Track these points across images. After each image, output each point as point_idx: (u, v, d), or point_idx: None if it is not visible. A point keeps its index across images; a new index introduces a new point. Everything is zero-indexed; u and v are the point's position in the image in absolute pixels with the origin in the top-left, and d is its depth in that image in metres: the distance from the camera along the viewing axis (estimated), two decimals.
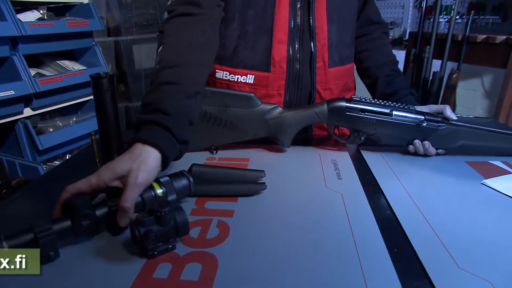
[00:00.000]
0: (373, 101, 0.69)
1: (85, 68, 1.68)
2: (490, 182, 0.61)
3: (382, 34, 0.88)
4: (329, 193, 0.57)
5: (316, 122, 0.71)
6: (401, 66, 2.58)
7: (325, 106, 0.70)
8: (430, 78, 2.13)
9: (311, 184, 0.60)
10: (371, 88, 0.86)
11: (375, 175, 0.64)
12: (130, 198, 0.43)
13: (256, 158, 0.70)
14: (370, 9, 0.86)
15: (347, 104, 0.69)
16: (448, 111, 0.70)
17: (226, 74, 0.77)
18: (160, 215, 0.41)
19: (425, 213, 0.52)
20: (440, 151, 0.71)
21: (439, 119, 0.69)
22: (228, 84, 0.79)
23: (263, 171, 0.60)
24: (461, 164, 0.69)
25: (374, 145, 0.74)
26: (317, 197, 0.56)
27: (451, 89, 2.03)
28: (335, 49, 0.79)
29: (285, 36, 0.73)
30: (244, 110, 0.68)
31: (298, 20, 0.74)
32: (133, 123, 0.53)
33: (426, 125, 0.68)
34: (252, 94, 0.69)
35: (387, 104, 0.69)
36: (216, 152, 0.72)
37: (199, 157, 0.70)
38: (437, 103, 2.08)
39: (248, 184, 0.57)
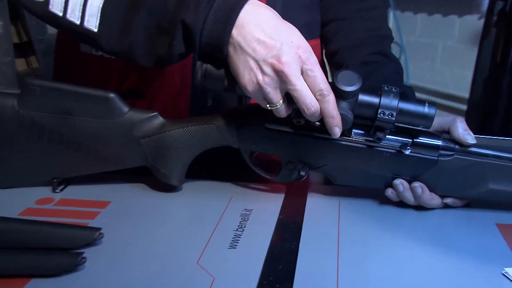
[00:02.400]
0: None
1: None
2: None
3: None
4: (194, 275, 0.48)
5: (220, 143, 0.62)
6: (477, 35, 2.37)
7: (232, 116, 0.61)
8: None
9: (176, 257, 0.51)
10: None
11: (300, 246, 0.53)
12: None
13: (121, 202, 0.62)
14: None
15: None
16: (460, 128, 0.57)
17: None
18: None
19: None
20: (449, 200, 0.61)
21: (441, 142, 0.58)
22: (103, 63, 0.72)
23: (99, 230, 0.51)
24: (486, 228, 0.59)
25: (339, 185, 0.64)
26: (170, 282, 0.47)
27: None
28: (281, 12, 0.71)
29: None
30: (97, 121, 0.60)
31: None
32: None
33: (411, 152, 0.58)
34: (111, 95, 0.59)
35: None
36: (62, 189, 0.64)
37: (30, 196, 0.62)
38: None
39: (53, 256, 0.47)
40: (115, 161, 0.63)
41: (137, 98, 0.70)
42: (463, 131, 0.57)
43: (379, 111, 0.53)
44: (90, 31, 0.55)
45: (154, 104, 0.72)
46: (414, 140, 0.58)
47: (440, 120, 0.60)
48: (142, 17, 0.53)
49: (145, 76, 0.72)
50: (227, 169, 0.72)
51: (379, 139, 0.56)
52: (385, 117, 0.53)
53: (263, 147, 0.61)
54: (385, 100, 0.53)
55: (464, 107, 2.10)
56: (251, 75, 0.51)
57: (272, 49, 0.50)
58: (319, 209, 0.62)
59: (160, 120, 0.62)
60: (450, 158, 0.58)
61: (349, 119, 0.53)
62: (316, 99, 0.51)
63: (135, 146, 0.62)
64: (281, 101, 0.52)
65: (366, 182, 0.62)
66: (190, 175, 0.65)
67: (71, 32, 0.58)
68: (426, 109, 0.53)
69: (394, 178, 0.60)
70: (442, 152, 0.58)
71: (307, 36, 0.74)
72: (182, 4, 0.51)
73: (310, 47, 0.51)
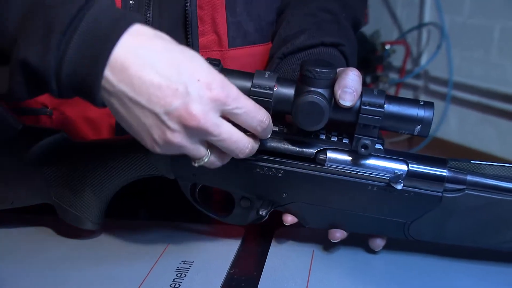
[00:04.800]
0: (279, 127, 0.60)
1: None
2: None
3: None
4: None
5: (150, 173, 0.62)
6: None
7: None
8: None
9: None
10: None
11: None
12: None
13: (9, 254, 0.63)
14: None
15: None
16: (344, 80, 0.55)
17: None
18: None
19: None
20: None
21: (446, 172, 0.58)
22: None
23: None
24: None
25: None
26: None
27: None
28: (243, 9, 0.74)
29: None
30: None
31: None
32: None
33: (405, 186, 0.58)
34: None
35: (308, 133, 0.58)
36: None
37: None
38: None
39: None
40: (1, 199, 0.63)
41: (40, 114, 0.72)
42: (343, 88, 0.55)
43: (362, 107, 0.54)
44: None
45: (66, 124, 0.72)
46: (410, 169, 0.57)
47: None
48: None
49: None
50: (164, 204, 0.72)
51: (366, 147, 0.55)
52: (371, 108, 0.54)
53: (207, 178, 0.61)
54: (367, 97, 0.54)
55: None
56: (155, 135, 0.49)
57: (174, 95, 0.47)
58: (284, 261, 0.62)
59: (67, 141, 0.62)
60: (459, 194, 0.58)
61: (323, 104, 0.54)
62: (257, 131, 0.52)
63: (31, 178, 0.61)
64: (208, 152, 0.52)
65: (347, 226, 0.61)
66: (113, 212, 0.65)
67: None
68: (420, 110, 0.54)
69: (386, 220, 0.60)
70: (448, 185, 0.58)
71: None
72: (22, 30, 0.46)
73: (223, 77, 0.50)
